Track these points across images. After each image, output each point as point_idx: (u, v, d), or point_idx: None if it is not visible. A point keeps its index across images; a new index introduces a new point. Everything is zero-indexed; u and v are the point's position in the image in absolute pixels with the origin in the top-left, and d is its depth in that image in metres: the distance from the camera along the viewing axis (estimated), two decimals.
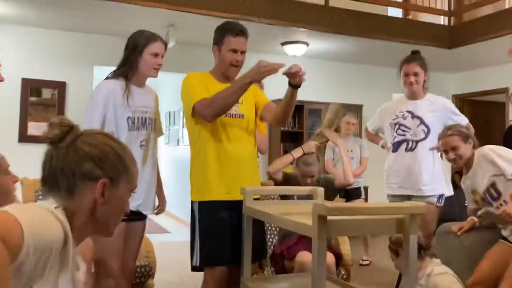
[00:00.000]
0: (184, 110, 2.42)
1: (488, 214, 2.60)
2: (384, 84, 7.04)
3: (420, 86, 3.06)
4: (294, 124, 6.31)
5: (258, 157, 3.49)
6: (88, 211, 1.11)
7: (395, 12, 6.20)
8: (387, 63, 6.63)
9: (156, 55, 2.35)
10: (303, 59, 6.10)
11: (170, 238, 6.38)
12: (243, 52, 2.38)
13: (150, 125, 2.40)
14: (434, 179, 3.02)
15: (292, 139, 6.41)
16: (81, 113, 5.30)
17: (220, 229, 2.28)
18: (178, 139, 7.69)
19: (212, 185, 2.32)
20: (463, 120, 3.08)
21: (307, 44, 5.73)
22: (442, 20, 6.18)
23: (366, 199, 5.43)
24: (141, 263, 2.84)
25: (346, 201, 5.02)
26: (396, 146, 3.09)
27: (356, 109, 6.56)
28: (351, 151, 5.07)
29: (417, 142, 3.01)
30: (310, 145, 3.17)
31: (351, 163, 5.03)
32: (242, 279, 2.18)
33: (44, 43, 5.36)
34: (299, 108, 6.24)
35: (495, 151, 2.59)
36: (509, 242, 2.54)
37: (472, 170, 2.63)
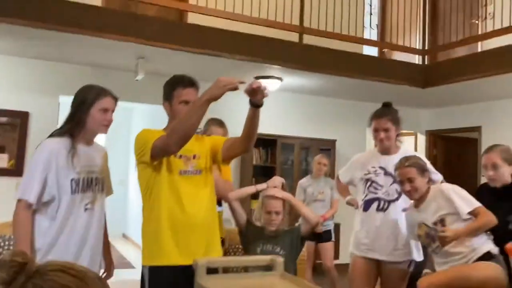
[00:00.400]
0: (139, 163, 2.27)
1: (428, 234, 2.61)
2: (358, 118, 7.00)
3: (392, 141, 2.95)
4: (266, 159, 6.20)
5: (221, 205, 3.37)
6: None
7: (370, 51, 6.19)
8: (362, 97, 6.62)
9: (105, 110, 2.22)
10: (277, 92, 6.02)
11: (135, 276, 6.14)
12: None
13: (97, 185, 2.25)
14: (406, 244, 2.87)
15: (264, 173, 6.28)
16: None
17: None
18: None
19: (165, 248, 2.18)
20: (438, 177, 3.01)
21: (280, 79, 5.65)
22: (417, 59, 6.19)
23: (337, 240, 5.32)
24: None
25: (317, 244, 4.89)
26: (367, 205, 2.94)
27: (329, 144, 6.50)
28: (322, 192, 4.96)
29: (389, 202, 2.88)
30: (276, 180, 2.96)
31: (323, 206, 4.96)
32: None
33: (5, 70, 5.14)
34: (272, 142, 6.14)
35: (453, 189, 2.60)
36: None
37: (425, 204, 2.63)
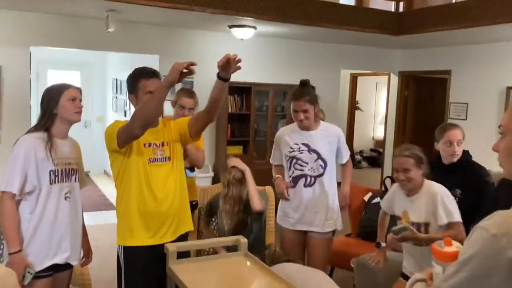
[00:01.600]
0: (110, 151, 2.39)
1: (401, 230, 2.54)
2: (333, 61, 7.10)
3: (311, 120, 2.99)
4: (242, 106, 6.32)
5: (194, 170, 3.56)
6: None
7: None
8: (337, 40, 6.66)
9: (73, 99, 2.35)
10: (251, 39, 6.02)
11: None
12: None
13: (74, 176, 2.41)
14: (332, 215, 3.06)
15: (240, 120, 6.44)
16: (17, 97, 5.14)
17: (145, 279, 2.36)
18: (125, 111, 7.55)
19: (135, 230, 2.36)
20: (347, 153, 3.16)
21: (255, 27, 5.63)
22: (393, 7, 6.17)
23: None
24: None
25: None
26: (294, 181, 3.06)
27: None
28: None
29: (315, 177, 3.01)
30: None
31: None
32: None
33: None
34: (247, 89, 6.23)
35: (442, 196, 2.54)
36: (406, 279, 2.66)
37: (416, 197, 2.60)
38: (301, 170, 3.03)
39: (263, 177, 3.63)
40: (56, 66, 8.43)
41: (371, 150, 11.24)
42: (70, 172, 2.38)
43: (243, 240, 2.44)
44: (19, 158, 2.22)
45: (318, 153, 3.00)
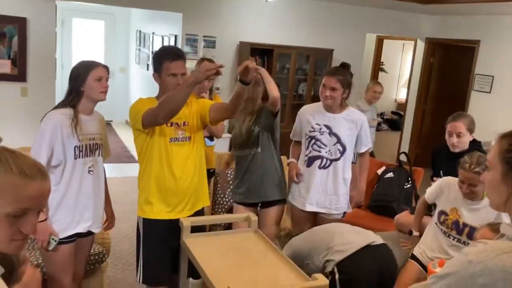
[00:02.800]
0: (134, 129, 2.51)
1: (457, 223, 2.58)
2: (357, 25, 6.94)
3: (336, 102, 2.98)
4: (263, 67, 6.29)
5: (213, 140, 3.66)
6: None
7: None
8: (362, 2, 6.50)
9: (100, 79, 2.42)
10: (275, 0, 5.92)
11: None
12: (183, 74, 2.46)
13: (97, 150, 2.52)
14: (343, 200, 3.09)
15: None
16: (43, 50, 5.23)
17: (162, 249, 2.52)
18: (147, 64, 7.60)
19: (155, 205, 2.50)
20: (367, 144, 3.14)
21: None
22: None
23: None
24: (95, 251, 3.09)
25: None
26: (310, 161, 3.07)
27: (326, 54, 6.54)
28: (374, 120, 5.09)
29: (331, 160, 3.02)
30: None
31: (372, 132, 4.85)
32: None
33: None
34: (269, 51, 6.19)
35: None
36: (417, 262, 2.79)
37: (478, 205, 2.58)
38: (319, 151, 3.03)
39: (281, 141, 3.44)
40: (81, 15, 8.44)
41: (393, 112, 11.16)
42: (94, 147, 2.49)
43: (253, 217, 2.56)
44: (46, 133, 2.33)
45: (339, 137, 3.00)
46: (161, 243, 2.53)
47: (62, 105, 2.43)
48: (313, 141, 3.04)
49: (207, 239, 2.44)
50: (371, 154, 4.98)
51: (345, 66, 3.05)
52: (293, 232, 2.85)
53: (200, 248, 2.29)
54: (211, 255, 2.27)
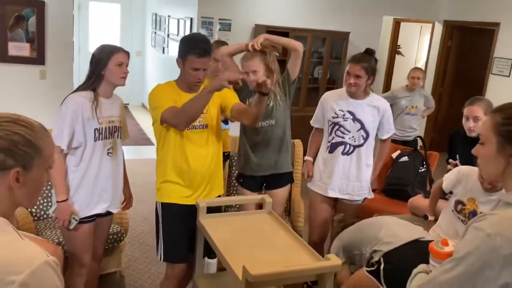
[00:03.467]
0: (153, 118, 2.53)
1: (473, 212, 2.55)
2: (373, 8, 6.86)
3: (360, 89, 2.97)
4: (279, 52, 6.27)
5: (228, 123, 3.70)
6: (6, 197, 1.17)
7: None
8: None
9: (120, 64, 2.46)
10: None
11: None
12: (205, 69, 2.46)
13: (116, 132, 2.58)
14: (365, 185, 3.12)
15: None
16: (60, 33, 5.29)
17: (180, 230, 2.58)
18: (163, 48, 7.63)
19: (171, 190, 2.56)
20: (390, 130, 3.13)
21: None
22: None
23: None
24: (113, 230, 3.18)
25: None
26: (333, 147, 3.06)
27: (342, 36, 6.49)
28: (416, 107, 4.96)
29: (355, 147, 3.02)
30: (260, 38, 2.86)
31: (414, 119, 4.98)
32: (194, 276, 2.55)
33: None
34: (285, 34, 6.15)
35: None
36: None
37: (492, 197, 2.52)
38: (342, 137, 3.02)
39: (295, 125, 3.50)
40: None
41: None
42: (113, 129, 2.55)
43: (268, 199, 2.60)
44: (67, 116, 2.39)
45: (362, 123, 2.99)
46: (179, 223, 2.58)
47: (82, 88, 2.47)
48: (336, 127, 3.02)
49: (223, 219, 2.49)
50: (414, 144, 4.86)
51: (370, 52, 2.98)
52: (347, 220, 2.90)
53: (215, 228, 2.34)
54: (226, 235, 2.32)
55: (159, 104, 2.42)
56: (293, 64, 2.97)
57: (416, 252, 2.36)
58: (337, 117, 3.02)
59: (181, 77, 2.53)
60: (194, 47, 2.40)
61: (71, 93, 2.49)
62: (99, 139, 2.48)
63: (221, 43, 3.58)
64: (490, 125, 1.33)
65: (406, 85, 5.04)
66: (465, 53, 7.44)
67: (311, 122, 3.28)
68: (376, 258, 2.39)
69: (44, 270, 1.05)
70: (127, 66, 2.50)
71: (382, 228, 2.49)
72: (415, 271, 1.48)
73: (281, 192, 3.11)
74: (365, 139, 3.02)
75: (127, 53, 2.51)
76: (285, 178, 3.13)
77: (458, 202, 2.69)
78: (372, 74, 2.94)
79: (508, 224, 1.17)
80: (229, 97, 2.65)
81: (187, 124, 2.40)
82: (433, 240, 2.47)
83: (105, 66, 2.42)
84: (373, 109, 3.02)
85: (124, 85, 2.53)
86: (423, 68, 8.10)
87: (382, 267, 2.33)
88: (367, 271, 2.39)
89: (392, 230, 2.47)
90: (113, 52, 2.44)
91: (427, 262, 2.39)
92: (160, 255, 2.60)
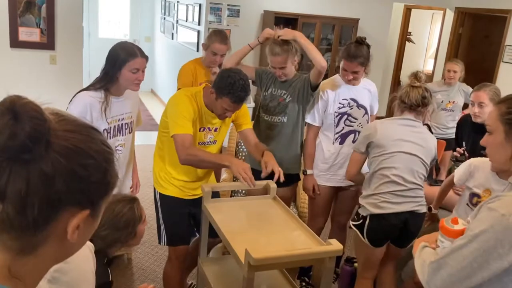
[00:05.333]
0: (166, 125, 2.50)
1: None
2: None
3: (360, 79, 2.97)
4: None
5: None
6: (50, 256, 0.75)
7: None
8: None
9: (136, 70, 2.40)
10: None
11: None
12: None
13: (127, 129, 2.59)
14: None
15: None
16: (70, 19, 5.32)
17: (179, 213, 2.64)
18: (172, 33, 7.64)
19: (169, 185, 2.63)
20: (377, 106, 3.16)
21: None
22: None
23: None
24: None
25: None
26: (343, 137, 3.01)
27: (352, 23, 6.45)
28: (453, 102, 4.59)
29: None
30: (265, 32, 2.83)
31: (450, 115, 4.57)
32: (198, 259, 2.60)
33: None
34: (293, 20, 6.14)
35: None
36: None
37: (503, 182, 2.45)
38: (351, 126, 2.98)
39: None
40: None
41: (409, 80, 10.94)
42: (124, 126, 2.56)
43: (272, 184, 2.63)
44: (75, 115, 2.40)
45: (365, 108, 2.99)
46: (177, 208, 2.65)
47: (94, 88, 2.42)
48: (345, 117, 2.97)
49: (227, 204, 2.53)
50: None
51: (361, 42, 2.88)
52: None
53: (220, 212, 2.38)
54: (230, 219, 2.36)
55: (177, 122, 2.39)
56: (314, 78, 2.83)
57: (401, 223, 2.57)
58: (343, 106, 2.97)
59: (207, 98, 2.49)
60: (233, 93, 2.37)
61: (82, 90, 2.44)
62: (108, 138, 2.47)
63: (220, 36, 3.32)
64: (496, 115, 1.44)
65: (444, 79, 4.73)
66: (476, 40, 7.36)
67: (309, 121, 3.04)
68: (363, 214, 2.60)
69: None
70: (143, 71, 2.42)
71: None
72: (421, 244, 1.53)
73: (286, 190, 3.03)
74: (368, 122, 3.03)
75: (145, 58, 2.43)
76: (290, 179, 2.95)
77: (473, 195, 2.65)
78: (368, 63, 2.90)
79: None
80: (244, 118, 2.69)
81: (186, 164, 2.43)
82: (425, 212, 2.57)
83: (120, 69, 2.36)
84: (368, 92, 3.05)
85: (137, 91, 2.49)
86: (434, 56, 8.02)
87: (366, 224, 2.56)
88: (353, 224, 2.63)
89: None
90: (129, 57, 2.36)
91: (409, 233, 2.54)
92: (163, 240, 2.65)
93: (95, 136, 0.78)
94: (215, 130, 2.58)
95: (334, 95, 2.97)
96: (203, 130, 2.55)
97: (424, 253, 1.49)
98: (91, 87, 2.44)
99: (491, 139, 1.46)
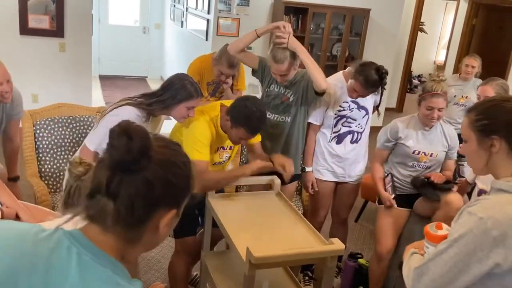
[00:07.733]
0: (177, 138, 2.49)
1: None
2: None
3: None
4: (297, 27, 6.19)
5: None
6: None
7: None
8: None
9: (192, 108, 2.42)
10: None
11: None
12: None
13: None
14: (366, 164, 3.17)
15: None
16: (79, 6, 5.32)
17: (184, 210, 2.64)
18: (182, 21, 7.60)
19: None
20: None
21: None
22: None
23: None
24: None
25: None
26: (340, 137, 3.00)
27: (363, 13, 6.37)
28: (466, 97, 4.46)
29: (361, 133, 3.01)
30: (276, 26, 2.73)
31: (462, 110, 4.40)
32: (202, 253, 2.61)
33: None
34: (304, 10, 6.08)
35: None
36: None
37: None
38: (349, 127, 2.98)
39: None
40: None
41: (430, 75, 10.84)
42: None
43: (276, 180, 2.63)
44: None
45: (367, 110, 2.97)
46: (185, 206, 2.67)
47: (139, 107, 2.37)
48: (343, 119, 2.96)
49: (231, 199, 2.53)
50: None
51: (380, 74, 2.75)
52: None
53: (223, 207, 2.38)
54: (234, 215, 2.36)
55: (194, 147, 2.38)
56: (317, 88, 2.75)
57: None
58: (343, 109, 2.94)
59: (222, 121, 2.48)
60: (249, 125, 2.38)
61: (127, 103, 2.37)
62: None
63: (230, 61, 3.24)
64: (467, 124, 1.45)
65: (460, 74, 4.63)
66: (490, 32, 7.25)
67: (311, 120, 2.99)
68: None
69: None
70: (193, 109, 2.43)
71: None
72: (410, 250, 1.56)
73: (288, 187, 3.01)
74: (367, 121, 3.02)
75: (200, 97, 2.46)
76: (293, 177, 2.88)
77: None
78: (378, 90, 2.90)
79: (499, 208, 1.27)
80: (253, 143, 2.74)
81: (203, 191, 2.45)
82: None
83: (179, 104, 2.38)
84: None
85: (181, 123, 2.49)
86: (446, 47, 7.91)
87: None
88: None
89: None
90: (191, 96, 2.39)
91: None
92: (171, 233, 2.67)
93: (180, 150, 0.99)
94: (230, 148, 2.63)
95: (336, 98, 2.94)
96: (218, 150, 2.59)
97: (411, 259, 1.52)
98: (137, 104, 2.38)
99: (466, 147, 1.47)
